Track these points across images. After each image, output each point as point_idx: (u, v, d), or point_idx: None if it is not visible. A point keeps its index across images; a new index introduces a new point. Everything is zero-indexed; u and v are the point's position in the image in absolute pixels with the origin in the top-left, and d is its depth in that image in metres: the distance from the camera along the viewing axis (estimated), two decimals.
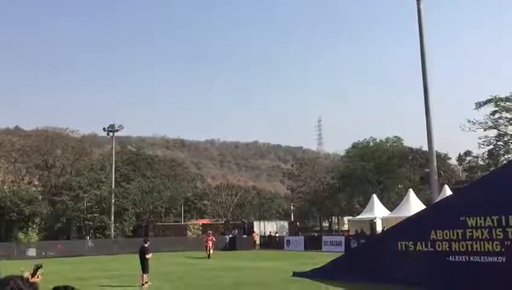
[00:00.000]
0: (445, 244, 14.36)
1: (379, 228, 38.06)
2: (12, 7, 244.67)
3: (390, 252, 15.87)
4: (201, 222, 61.25)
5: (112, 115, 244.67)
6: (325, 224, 71.27)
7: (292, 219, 68.57)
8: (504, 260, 12.90)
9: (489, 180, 15.60)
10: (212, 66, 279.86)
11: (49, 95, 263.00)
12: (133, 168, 64.30)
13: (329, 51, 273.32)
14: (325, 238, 40.20)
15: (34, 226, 47.12)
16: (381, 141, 62.78)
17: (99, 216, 49.10)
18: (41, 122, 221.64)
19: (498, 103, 46.71)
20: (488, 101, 46.91)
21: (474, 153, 55.83)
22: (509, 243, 12.90)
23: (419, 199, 40.01)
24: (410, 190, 41.32)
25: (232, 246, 42.69)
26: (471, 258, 13.68)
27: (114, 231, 48.35)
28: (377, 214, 40.45)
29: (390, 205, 44.74)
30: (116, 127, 50.14)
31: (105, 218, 48.82)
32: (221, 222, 57.03)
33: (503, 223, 13.06)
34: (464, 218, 13.98)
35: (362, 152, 61.35)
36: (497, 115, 47.14)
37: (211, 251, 32.46)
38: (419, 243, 15.07)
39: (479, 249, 13.52)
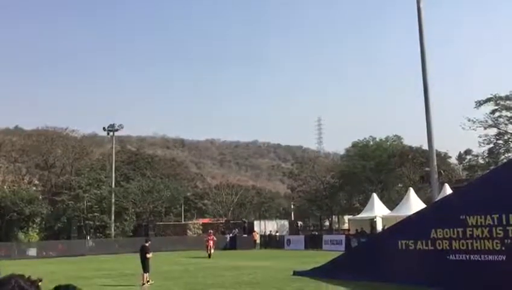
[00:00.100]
0: (446, 242, 14.37)
1: (379, 227, 38.08)
2: (12, 7, 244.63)
3: (390, 251, 15.88)
4: (201, 221, 61.29)
5: (112, 115, 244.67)
6: (326, 223, 71.27)
7: (293, 218, 68.62)
8: (504, 258, 12.90)
9: (489, 179, 15.60)
10: (213, 65, 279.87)
11: (49, 94, 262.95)
12: (133, 167, 64.33)
13: (329, 48, 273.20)
14: (325, 237, 40.23)
15: (35, 226, 47.14)
16: (381, 140, 62.79)
17: (100, 216, 49.14)
18: (41, 122, 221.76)
19: (498, 101, 46.74)
20: (488, 100, 46.93)
21: (475, 151, 55.90)
22: (509, 241, 12.91)
23: (420, 197, 40.01)
24: (411, 188, 41.33)
25: (232, 245, 42.74)
26: (472, 256, 13.69)
27: (114, 230, 48.39)
28: (377, 213, 40.46)
29: (391, 203, 44.73)
30: (116, 127, 50.19)
31: (105, 218, 48.86)
32: (221, 221, 57.06)
33: (504, 222, 13.07)
34: (464, 217, 13.99)
35: (362, 151, 61.37)
36: (497, 114, 47.17)
37: (212, 251, 32.36)
38: (419, 242, 15.08)
39: (479, 248, 13.52)
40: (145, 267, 17.97)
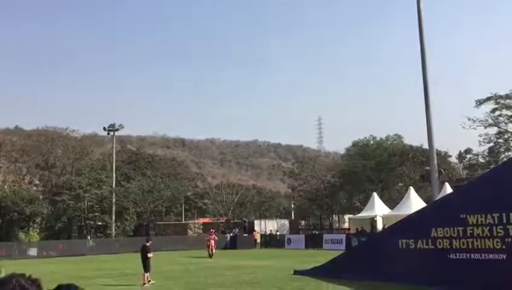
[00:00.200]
0: (446, 241, 14.37)
1: (380, 226, 38.08)
2: (12, 7, 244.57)
3: (391, 250, 15.88)
4: (202, 221, 61.33)
5: (112, 115, 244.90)
6: (326, 222, 71.28)
7: (293, 217, 68.67)
8: (505, 257, 12.91)
9: (489, 178, 15.60)
10: (213, 65, 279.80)
11: (49, 94, 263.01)
12: (134, 167, 64.37)
13: (329, 48, 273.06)
14: (325, 236, 40.24)
15: (35, 225, 47.17)
16: (381, 139, 62.77)
17: (100, 216, 49.19)
18: (41, 122, 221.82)
19: (498, 100, 46.75)
20: (488, 99, 46.94)
21: (475, 150, 55.92)
22: (509, 240, 12.91)
23: (420, 196, 40.01)
24: (411, 187, 41.32)
25: (233, 245, 42.75)
26: (472, 255, 13.70)
27: (115, 230, 48.43)
28: (377, 212, 40.46)
29: (391, 203, 44.73)
30: (117, 127, 50.21)
31: (106, 217, 48.91)
32: (222, 221, 57.09)
33: (504, 221, 13.07)
34: (464, 215, 13.99)
35: (362, 150, 61.35)
36: (497, 113, 47.19)
37: (214, 250, 32.21)
38: (420, 241, 15.08)
39: (479, 247, 13.53)
40: (146, 267, 17.97)
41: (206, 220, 62.11)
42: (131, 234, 50.29)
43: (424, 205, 30.50)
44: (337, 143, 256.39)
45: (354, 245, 31.48)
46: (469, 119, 46.97)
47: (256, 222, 54.73)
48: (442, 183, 37.08)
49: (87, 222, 48.91)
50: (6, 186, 49.09)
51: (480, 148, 51.90)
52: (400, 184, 58.03)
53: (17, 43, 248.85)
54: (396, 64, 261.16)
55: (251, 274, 20.30)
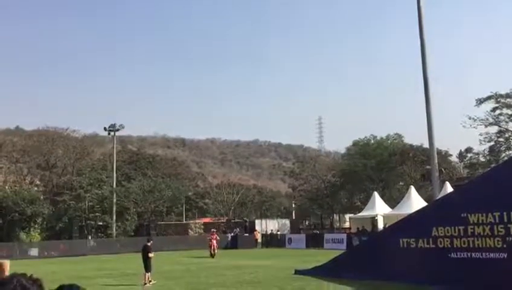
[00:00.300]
0: (447, 241, 14.37)
1: (380, 225, 38.07)
2: (12, 7, 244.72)
3: (392, 249, 15.88)
4: (203, 220, 61.34)
5: (113, 115, 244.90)
6: (327, 222, 71.28)
7: (293, 217, 68.67)
8: (506, 256, 12.90)
9: (490, 177, 15.60)
10: (213, 64, 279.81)
11: (49, 95, 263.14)
12: (134, 167, 64.41)
13: (329, 48, 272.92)
14: (326, 236, 40.23)
15: (36, 226, 47.20)
16: (382, 138, 62.75)
17: (101, 216, 49.23)
18: (41, 122, 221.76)
19: (498, 99, 46.72)
20: (489, 98, 46.91)
21: (475, 149, 55.89)
22: (510, 239, 12.90)
23: (421, 195, 40.00)
24: (412, 186, 41.30)
25: (233, 244, 42.76)
26: (473, 254, 13.69)
27: (116, 230, 48.47)
28: (378, 212, 40.45)
29: (392, 202, 44.72)
30: (117, 127, 50.25)
31: (107, 217, 48.94)
32: (222, 221, 57.11)
33: (505, 220, 13.06)
34: (465, 214, 13.98)
35: (363, 150, 61.34)
36: (497, 112, 47.16)
37: (216, 250, 32.05)
38: (420, 240, 15.08)
39: (480, 246, 13.52)
40: (147, 267, 17.98)
41: (207, 220, 62.12)
42: (132, 234, 50.33)
43: (424, 204, 30.50)
44: (338, 142, 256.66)
45: (354, 245, 31.47)
46: (469, 118, 46.99)
47: (257, 222, 54.74)
48: (442, 183, 37.07)
49: (88, 222, 48.95)
50: (7, 187, 49.15)
51: (480, 147, 51.93)
52: (400, 183, 58.00)
53: (17, 43, 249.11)
54: (397, 64, 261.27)
55: (252, 274, 20.30)
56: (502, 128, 47.96)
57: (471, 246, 13.75)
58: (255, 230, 48.32)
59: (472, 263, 13.59)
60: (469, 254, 13.79)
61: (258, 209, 74.39)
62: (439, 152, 41.28)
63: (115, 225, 48.21)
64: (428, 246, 14.84)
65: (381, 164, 57.72)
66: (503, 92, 46.45)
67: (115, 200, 48.63)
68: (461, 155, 60.70)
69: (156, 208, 55.24)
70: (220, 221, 57.57)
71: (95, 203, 49.58)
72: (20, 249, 37.54)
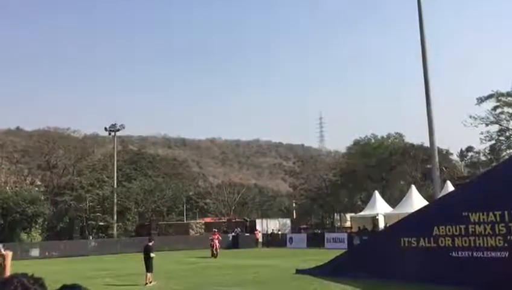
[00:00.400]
0: (448, 239, 14.36)
1: (381, 225, 38.07)
2: (12, 7, 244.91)
3: (393, 249, 15.87)
4: (203, 220, 61.36)
5: (113, 115, 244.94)
6: (328, 221, 71.30)
7: (294, 216, 68.66)
8: (507, 255, 12.90)
9: (491, 176, 15.59)
10: (212, 63, 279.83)
11: (49, 95, 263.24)
12: (135, 167, 64.49)
13: (330, 47, 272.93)
14: (327, 235, 40.22)
15: (37, 226, 47.23)
16: (382, 137, 62.75)
17: (102, 216, 49.28)
18: (42, 123, 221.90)
19: (499, 98, 46.66)
20: (490, 96, 46.85)
21: (476, 148, 55.88)
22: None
23: (422, 195, 39.98)
24: (412, 186, 41.28)
25: (234, 244, 42.75)
26: (474, 253, 13.68)
27: (117, 230, 48.51)
28: (379, 211, 40.44)
29: (393, 201, 44.70)
30: (118, 127, 50.29)
31: (107, 217, 48.99)
32: (223, 220, 57.11)
33: (506, 219, 13.05)
34: (466, 213, 13.97)
35: (364, 149, 61.34)
36: (498, 110, 47.10)
37: (218, 250, 31.74)
38: (422, 239, 15.07)
39: (481, 245, 13.51)
40: (149, 267, 17.98)
41: (208, 219, 62.14)
42: (133, 234, 50.37)
43: (425, 203, 30.49)
44: (339, 142, 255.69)
45: (355, 244, 31.47)
46: (470, 117, 46.94)
47: (257, 221, 54.70)
48: (443, 182, 37.06)
49: (89, 222, 49.02)
50: (8, 187, 49.16)
51: (481, 146, 51.89)
52: (401, 182, 57.98)
53: (17, 43, 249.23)
54: (397, 63, 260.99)
55: (253, 273, 20.29)
56: (502, 127, 47.91)
57: (472, 245, 13.74)
58: (256, 230, 48.31)
59: (473, 262, 13.58)
60: (470, 253, 13.78)
61: (258, 209, 74.43)
62: (440, 151, 41.24)
63: (115, 225, 48.26)
64: (429, 245, 14.84)
65: (382, 163, 57.71)
66: (504, 91, 46.41)
67: (115, 200, 48.67)
68: (462, 154, 60.71)
69: (157, 208, 55.28)
70: (220, 221, 57.57)
71: (96, 203, 49.65)
72: (21, 249, 37.49)
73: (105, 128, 50.63)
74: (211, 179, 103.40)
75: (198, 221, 60.45)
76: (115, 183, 50.15)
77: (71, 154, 60.47)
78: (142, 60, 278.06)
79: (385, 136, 62.89)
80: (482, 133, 48.37)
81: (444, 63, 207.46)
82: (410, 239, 15.41)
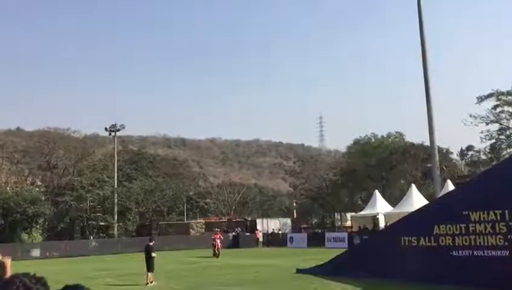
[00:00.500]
0: (449, 239, 14.36)
1: (382, 224, 38.07)
2: (12, 7, 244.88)
3: (393, 248, 15.88)
4: (204, 220, 61.36)
5: (113, 115, 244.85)
6: (328, 221, 71.30)
7: (295, 216, 68.65)
8: (507, 253, 12.90)
9: (491, 175, 15.59)
10: (212, 63, 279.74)
11: (49, 95, 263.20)
12: (135, 167, 64.50)
13: (330, 47, 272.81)
14: (328, 234, 40.23)
15: (38, 226, 47.23)
16: (382, 136, 62.74)
17: (103, 216, 49.30)
18: (42, 123, 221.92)
19: (500, 96, 46.64)
20: (490, 95, 46.84)
21: (476, 147, 55.86)
22: None
23: (422, 194, 39.98)
24: (413, 185, 41.28)
25: (235, 244, 42.76)
26: (475, 252, 13.69)
27: (117, 230, 48.54)
28: (379, 210, 40.44)
29: (393, 200, 44.70)
30: (118, 127, 50.31)
31: (108, 217, 49.00)
32: (224, 220, 57.12)
33: (507, 217, 13.06)
34: (466, 212, 13.98)
35: (364, 148, 61.32)
36: (498, 109, 47.08)
37: (220, 250, 31.57)
38: (422, 238, 15.08)
39: (482, 244, 13.52)
40: (150, 267, 17.99)
41: (208, 219, 62.15)
42: (134, 234, 50.39)
43: (426, 202, 30.50)
44: (339, 141, 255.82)
45: (356, 243, 31.47)
46: (470, 116, 46.93)
47: (258, 221, 54.69)
48: (444, 181, 37.06)
49: (90, 222, 49.04)
50: (8, 188, 49.17)
51: (482, 145, 51.87)
52: (401, 182, 57.98)
53: (17, 43, 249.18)
54: (397, 63, 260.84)
55: (254, 273, 20.30)
56: (503, 126, 47.89)
57: (472, 244, 13.75)
58: (256, 229, 48.31)
59: (474, 261, 13.58)
60: (471, 252, 13.78)
61: (259, 209, 74.44)
62: (440, 150, 41.22)
63: (116, 225, 48.28)
64: (430, 244, 14.84)
65: (382, 162, 57.70)
66: (504, 90, 46.39)
67: (116, 200, 48.70)
68: (462, 153, 60.68)
69: (157, 207, 55.29)
70: (221, 220, 57.58)
71: (97, 203, 49.67)
72: (22, 249, 37.55)
73: (106, 129, 50.67)
74: (211, 179, 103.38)
75: (198, 221, 60.48)
76: (116, 183, 50.18)
77: (71, 154, 60.46)
78: (142, 60, 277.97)
79: (385, 136, 62.89)
80: (482, 132, 48.39)
81: (444, 62, 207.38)
82: (410, 238, 15.42)
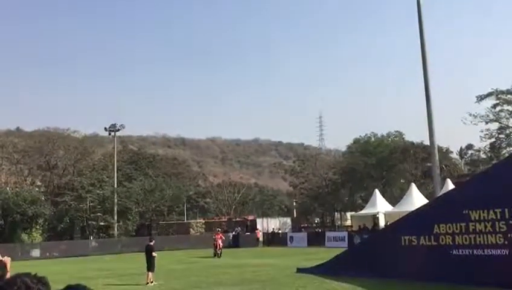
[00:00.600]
0: (449, 238, 14.37)
1: (382, 223, 38.08)
2: (12, 7, 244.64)
3: (393, 247, 15.88)
4: (204, 219, 61.37)
5: (113, 115, 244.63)
6: (328, 220, 71.31)
7: (295, 215, 68.69)
8: (507, 252, 12.91)
9: (491, 173, 15.58)
10: (212, 63, 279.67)
11: (49, 95, 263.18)
12: (135, 167, 64.41)
13: (329, 46, 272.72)
14: (328, 234, 40.25)
15: (38, 227, 47.18)
16: (382, 136, 62.78)
17: (102, 216, 49.25)
18: (42, 123, 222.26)
19: (499, 95, 46.68)
20: (489, 94, 46.87)
21: (476, 146, 55.90)
22: None
23: (422, 193, 40.01)
24: (413, 184, 41.31)
25: (235, 243, 42.78)
26: (475, 251, 13.69)
27: (117, 230, 48.52)
28: (379, 209, 40.45)
29: (393, 199, 44.74)
30: (118, 127, 50.28)
31: (108, 217, 48.97)
32: (224, 220, 57.14)
33: (506, 216, 13.06)
34: (466, 211, 13.98)
35: (364, 147, 61.35)
36: (498, 108, 47.13)
37: (221, 250, 31.38)
38: (422, 238, 15.08)
39: (482, 243, 13.52)
40: (151, 267, 18.00)
41: (208, 219, 62.16)
42: (134, 234, 50.37)
43: (426, 201, 30.51)
44: (338, 140, 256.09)
45: (356, 243, 31.47)
46: (470, 115, 46.99)
47: (258, 220, 54.72)
48: (443, 180, 37.07)
49: (90, 222, 48.99)
50: (8, 188, 49.13)
51: (481, 144, 51.95)
52: (401, 181, 58.02)
53: (17, 43, 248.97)
54: (397, 61, 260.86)
55: (254, 272, 20.31)
56: (502, 125, 47.93)
57: (472, 243, 13.75)
58: (257, 229, 48.33)
59: (474, 260, 13.59)
60: (471, 251, 13.79)
61: (259, 208, 74.46)
62: (440, 149, 41.22)
63: (116, 225, 48.26)
64: (430, 243, 14.84)
65: (382, 161, 57.73)
66: (503, 88, 46.42)
67: (116, 200, 48.67)
68: (462, 152, 60.72)
69: (157, 207, 55.28)
70: (221, 220, 57.59)
71: (96, 203, 49.61)
72: (22, 250, 37.56)
73: (105, 129, 50.63)
74: (211, 179, 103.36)
75: (198, 220, 60.49)
76: (115, 183, 50.15)
77: (71, 154, 60.36)
78: (142, 60, 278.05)
79: (385, 135, 62.96)
80: (482, 131, 48.45)
81: (444, 62, 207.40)
82: (410, 237, 15.42)
